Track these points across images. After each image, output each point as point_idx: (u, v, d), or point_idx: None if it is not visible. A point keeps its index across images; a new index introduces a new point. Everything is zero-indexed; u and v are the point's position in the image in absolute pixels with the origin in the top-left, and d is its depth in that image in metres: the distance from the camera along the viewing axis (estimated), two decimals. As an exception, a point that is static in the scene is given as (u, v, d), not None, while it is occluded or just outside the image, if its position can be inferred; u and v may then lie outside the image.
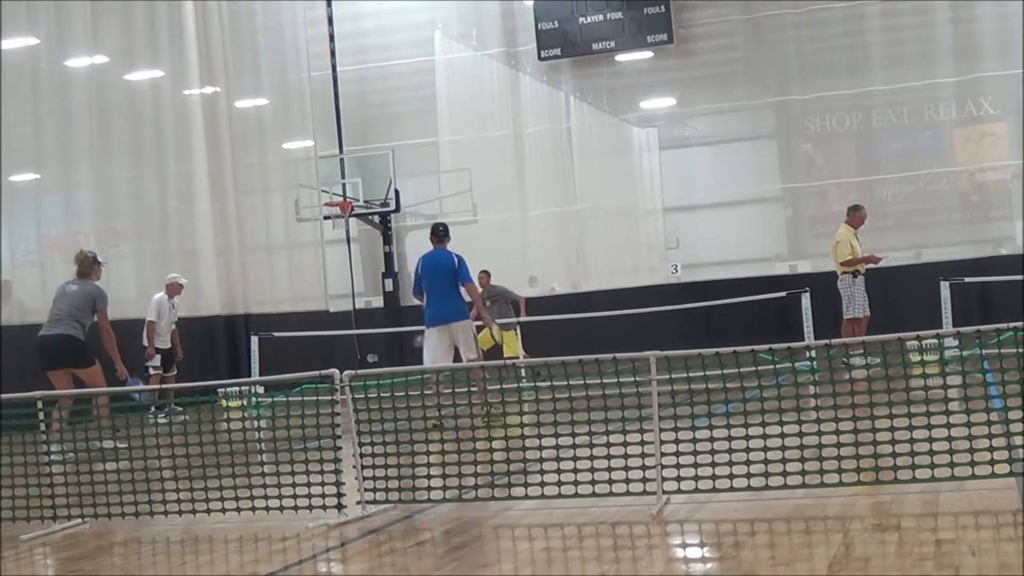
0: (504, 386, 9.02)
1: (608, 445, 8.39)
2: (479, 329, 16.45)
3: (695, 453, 8.22)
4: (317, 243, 26.89)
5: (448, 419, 9.47)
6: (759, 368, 8.52)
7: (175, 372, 19.79)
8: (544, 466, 8.99)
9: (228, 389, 17.29)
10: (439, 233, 15.09)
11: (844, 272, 18.83)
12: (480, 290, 20.28)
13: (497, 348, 20.72)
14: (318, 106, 28.05)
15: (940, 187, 26.72)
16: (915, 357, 9.55)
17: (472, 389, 11.47)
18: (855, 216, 19.27)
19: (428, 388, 10.89)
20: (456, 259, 14.89)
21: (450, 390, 9.97)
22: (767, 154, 27.97)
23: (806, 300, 19.74)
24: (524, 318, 21.76)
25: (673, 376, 8.52)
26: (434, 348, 14.77)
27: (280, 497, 9.04)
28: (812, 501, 8.00)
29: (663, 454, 8.25)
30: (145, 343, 19.45)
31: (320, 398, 9.30)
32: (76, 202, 22.72)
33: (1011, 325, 7.95)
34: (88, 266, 14.94)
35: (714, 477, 8.13)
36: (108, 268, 22.23)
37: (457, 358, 14.99)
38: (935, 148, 27.04)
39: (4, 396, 10.10)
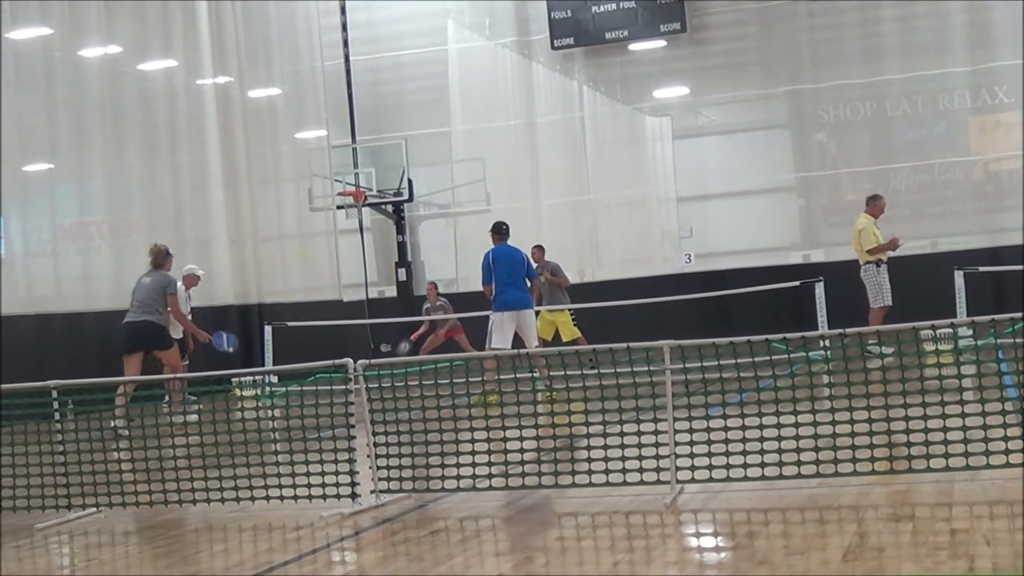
0: (567, 372, 9.04)
1: (622, 434, 8.39)
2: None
3: (709, 443, 8.22)
4: (330, 233, 26.90)
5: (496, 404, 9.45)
6: (773, 357, 8.51)
7: (188, 362, 19.80)
8: (558, 455, 9.00)
9: (242, 379, 17.34)
10: (503, 231, 16.62)
11: (867, 262, 18.76)
12: (535, 265, 20.71)
13: (558, 333, 20.87)
14: (331, 96, 28.05)
15: (954, 176, 26.63)
16: (929, 347, 9.53)
17: (535, 376, 11.93)
18: (875, 206, 19.23)
19: (487, 372, 11.34)
20: (525, 257, 16.66)
21: (509, 376, 9.89)
22: (781, 143, 27.89)
23: (820, 289, 19.71)
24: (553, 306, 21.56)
25: (687, 365, 8.51)
26: (505, 330, 16.03)
27: (294, 486, 9.06)
28: (826, 491, 8.00)
29: (677, 443, 8.25)
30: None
31: (334, 387, 9.31)
32: (90, 192, 22.74)
33: (1026, 314, 7.93)
34: (162, 258, 16.54)
35: (728, 467, 8.12)
36: (122, 257, 22.40)
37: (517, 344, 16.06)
38: (949, 137, 26.92)
39: (21, 386, 10.14)
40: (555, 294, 21.10)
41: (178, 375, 14.65)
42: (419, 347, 23.73)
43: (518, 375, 9.63)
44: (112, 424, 11.25)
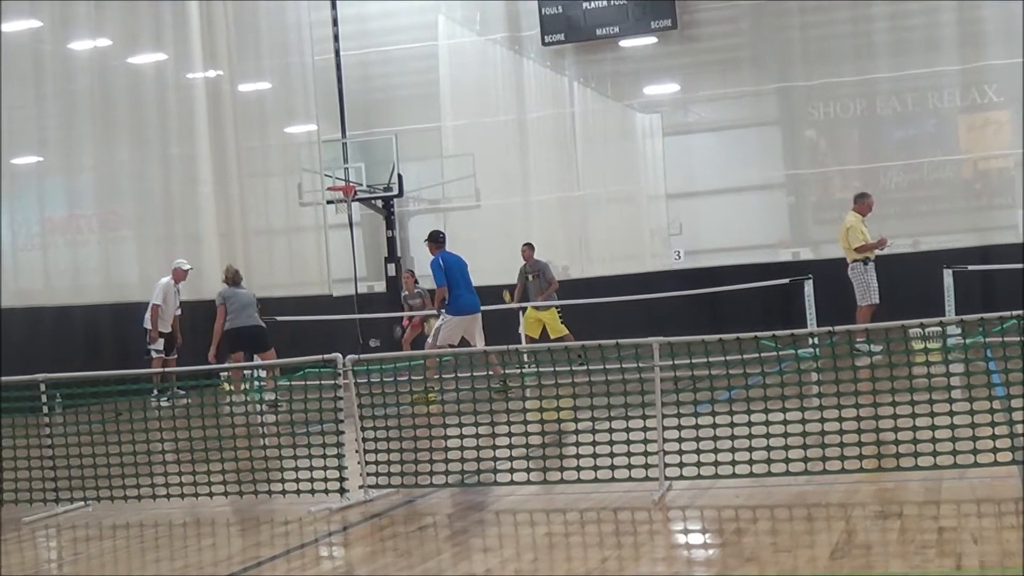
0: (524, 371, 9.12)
1: (610, 431, 8.40)
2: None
3: (698, 439, 8.23)
4: (319, 227, 26.86)
5: (439, 401, 9.53)
6: (762, 354, 8.52)
7: (176, 356, 19.80)
8: (546, 451, 9.01)
9: (231, 373, 17.31)
10: (441, 240, 17.07)
11: (855, 260, 18.74)
12: (524, 263, 20.89)
13: (546, 331, 20.91)
14: (321, 90, 28.00)
15: (943, 175, 26.66)
16: (918, 345, 9.55)
17: (489, 373, 12.25)
18: (863, 204, 19.18)
19: (428, 371, 11.62)
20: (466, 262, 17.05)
21: (452, 375, 9.95)
22: (771, 140, 27.91)
23: (809, 287, 19.73)
24: (539, 302, 21.46)
25: (676, 362, 8.52)
26: (455, 333, 16.41)
27: (282, 481, 9.06)
28: (814, 488, 8.01)
29: (665, 440, 8.26)
30: (148, 326, 19.47)
31: (323, 382, 9.31)
32: (79, 185, 22.68)
33: (1014, 313, 7.95)
34: (239, 277, 17.95)
35: (716, 463, 8.13)
36: (111, 251, 22.39)
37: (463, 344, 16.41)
38: (939, 136, 26.95)
39: (9, 379, 10.13)
40: (543, 287, 21.12)
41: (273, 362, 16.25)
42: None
43: (507, 371, 9.63)
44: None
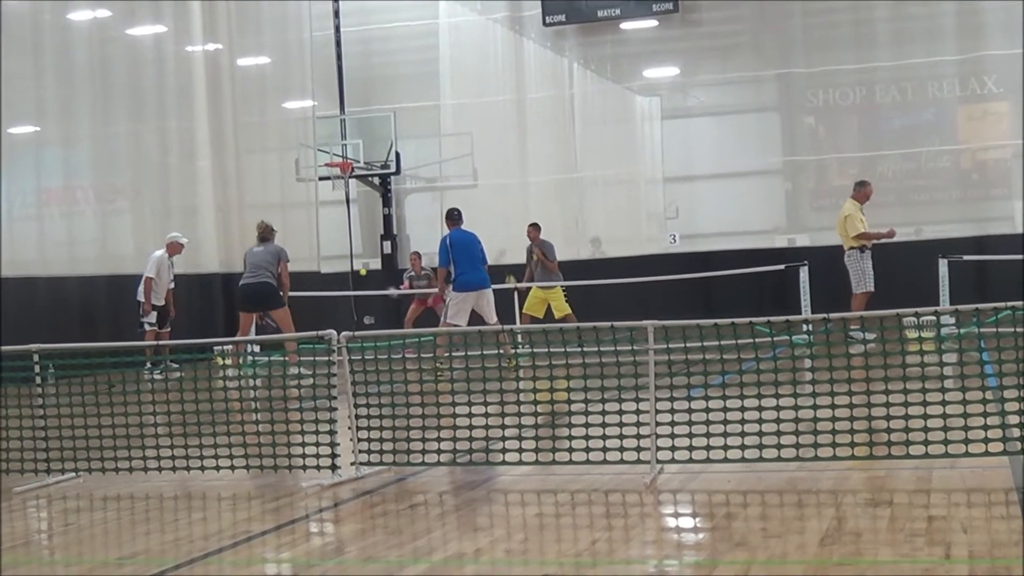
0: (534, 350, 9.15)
1: (603, 413, 8.41)
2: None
3: (690, 423, 8.24)
4: (314, 203, 26.80)
5: (446, 379, 9.52)
6: (756, 340, 8.52)
7: (170, 329, 19.81)
8: (539, 432, 9.02)
9: (224, 348, 17.35)
10: (457, 217, 17.31)
11: (851, 247, 18.76)
12: (529, 243, 20.98)
13: (550, 310, 20.94)
14: (320, 66, 27.93)
15: (941, 164, 26.65)
16: (912, 333, 9.55)
17: (499, 352, 12.39)
18: (861, 192, 19.20)
19: (437, 346, 11.69)
20: (479, 240, 17.27)
21: (461, 353, 9.92)
22: (769, 126, 27.86)
23: (804, 274, 19.74)
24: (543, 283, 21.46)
25: (670, 346, 8.52)
26: (463, 309, 16.77)
27: (274, 456, 9.07)
28: (805, 474, 8.03)
29: (658, 423, 8.27)
30: (142, 299, 19.47)
31: (316, 359, 9.30)
32: (76, 156, 22.63)
33: (1009, 304, 7.96)
34: (269, 232, 18.44)
35: (708, 448, 8.14)
36: (107, 222, 22.35)
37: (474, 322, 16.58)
38: (937, 125, 26.93)
39: (3, 349, 10.12)
40: (548, 272, 21.14)
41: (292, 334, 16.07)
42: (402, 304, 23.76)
43: (501, 351, 9.63)
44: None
